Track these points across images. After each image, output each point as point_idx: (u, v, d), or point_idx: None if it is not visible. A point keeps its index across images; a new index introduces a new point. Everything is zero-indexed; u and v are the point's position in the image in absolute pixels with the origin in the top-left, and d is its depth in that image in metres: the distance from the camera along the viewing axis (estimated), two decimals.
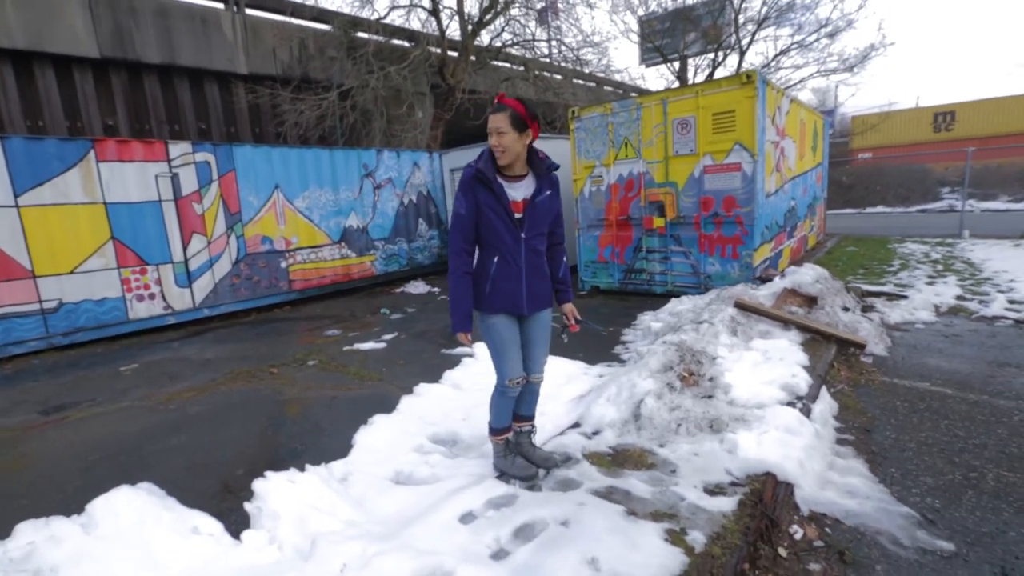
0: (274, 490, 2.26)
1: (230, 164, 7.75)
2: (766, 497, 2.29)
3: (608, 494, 2.33)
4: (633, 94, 16.27)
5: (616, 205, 6.97)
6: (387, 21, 13.89)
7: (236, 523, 2.27)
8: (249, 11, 14.77)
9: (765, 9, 16.03)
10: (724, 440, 2.64)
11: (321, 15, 14.12)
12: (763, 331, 4.16)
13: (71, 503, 2.72)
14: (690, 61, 18.21)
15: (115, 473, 3.13)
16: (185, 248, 7.36)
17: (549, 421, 3.12)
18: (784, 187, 7.02)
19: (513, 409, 2.55)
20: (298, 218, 8.55)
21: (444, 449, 2.90)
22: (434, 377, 3.99)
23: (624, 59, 25.13)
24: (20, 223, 6.08)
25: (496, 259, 2.25)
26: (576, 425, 2.98)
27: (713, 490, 2.33)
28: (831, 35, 16.05)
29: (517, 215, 2.21)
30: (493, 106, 2.16)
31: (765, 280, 5.52)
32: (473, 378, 3.86)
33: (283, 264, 8.40)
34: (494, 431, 2.56)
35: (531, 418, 2.64)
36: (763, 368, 3.43)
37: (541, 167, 2.24)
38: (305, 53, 15.12)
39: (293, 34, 14.64)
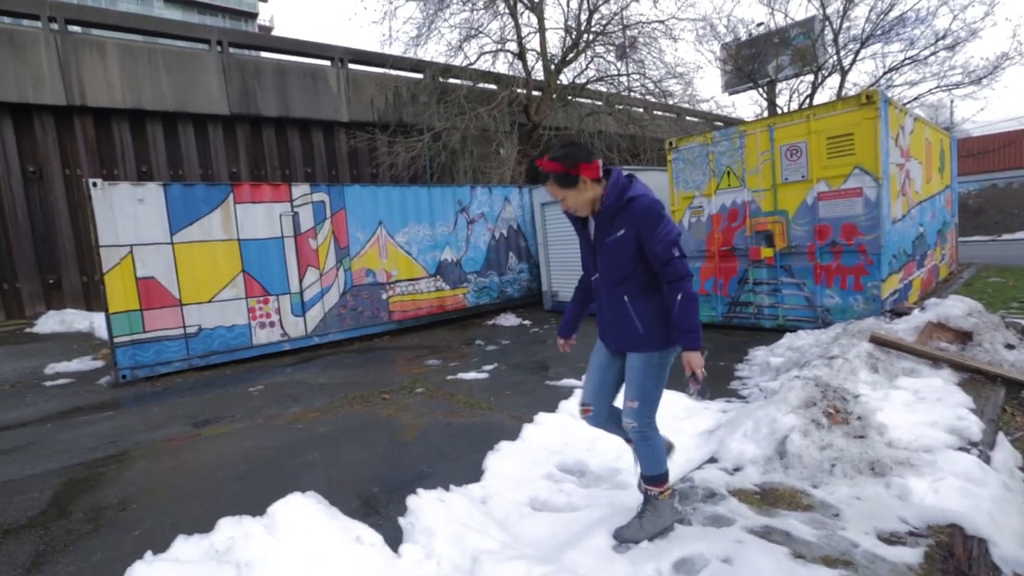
0: (426, 507, 2.34)
1: (341, 203, 8.46)
2: (957, 552, 2.04)
3: (766, 534, 2.18)
4: (717, 123, 15.94)
5: (718, 236, 6.76)
6: (475, 66, 14.77)
7: (391, 536, 2.37)
8: (352, 66, 16.35)
9: (869, 27, 15.27)
10: (891, 485, 2.40)
11: (416, 66, 15.29)
12: (907, 368, 3.78)
13: (232, 508, 2.98)
14: (781, 85, 17.60)
15: (266, 483, 3.40)
16: (301, 280, 8.04)
17: (679, 455, 2.99)
18: (911, 212, 6.48)
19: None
20: (398, 252, 9.09)
21: (574, 478, 2.87)
22: (548, 407, 4.00)
23: (710, 88, 24.83)
24: (173, 258, 6.97)
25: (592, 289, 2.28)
26: (713, 460, 2.84)
27: (889, 539, 2.12)
28: (951, 47, 14.90)
29: (594, 248, 2.15)
30: (541, 174, 2.01)
31: (900, 313, 5.05)
32: None
33: (384, 296, 8.91)
34: (657, 480, 2.21)
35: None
36: (919, 408, 3.11)
37: (613, 206, 2.00)
38: (399, 100, 16.40)
39: (389, 84, 15.98)
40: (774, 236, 6.25)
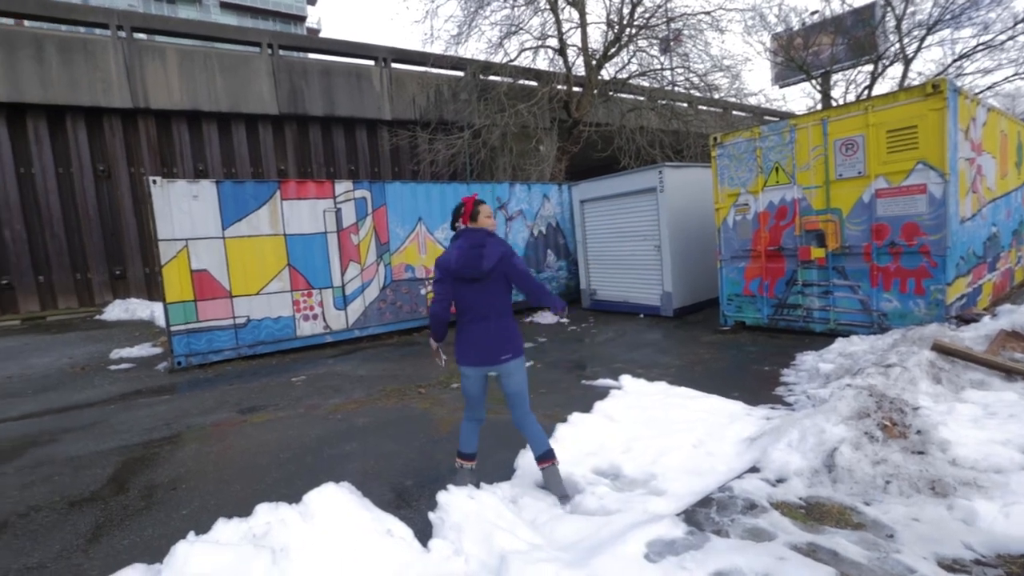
0: (456, 503, 2.34)
1: (382, 199, 8.62)
2: None
3: (811, 551, 2.06)
4: (767, 117, 15.27)
5: (765, 234, 6.48)
6: (516, 63, 14.72)
7: (420, 530, 2.39)
8: (395, 65, 16.64)
9: (937, 11, 14.22)
10: (954, 507, 2.22)
11: (457, 64, 15.40)
12: (976, 380, 3.50)
13: (272, 494, 3.08)
14: (837, 76, 16.68)
15: (305, 470, 3.51)
16: (343, 274, 8.25)
17: (720, 463, 2.88)
18: (982, 211, 5.99)
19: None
20: (437, 248, 9.18)
21: (608, 482, 2.81)
22: (583, 407, 3.94)
23: (758, 81, 23.87)
24: (224, 252, 7.30)
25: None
26: (755, 470, 2.71)
27: (952, 566, 1.95)
28: None
29: None
30: (480, 200, 2.86)
31: (967, 320, 4.68)
32: (625, 410, 3.74)
33: (422, 291, 9.03)
34: (547, 456, 2.78)
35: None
36: (988, 425, 2.86)
37: None
38: (440, 98, 16.58)
39: (431, 82, 16.17)
40: (826, 235, 5.92)
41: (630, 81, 15.01)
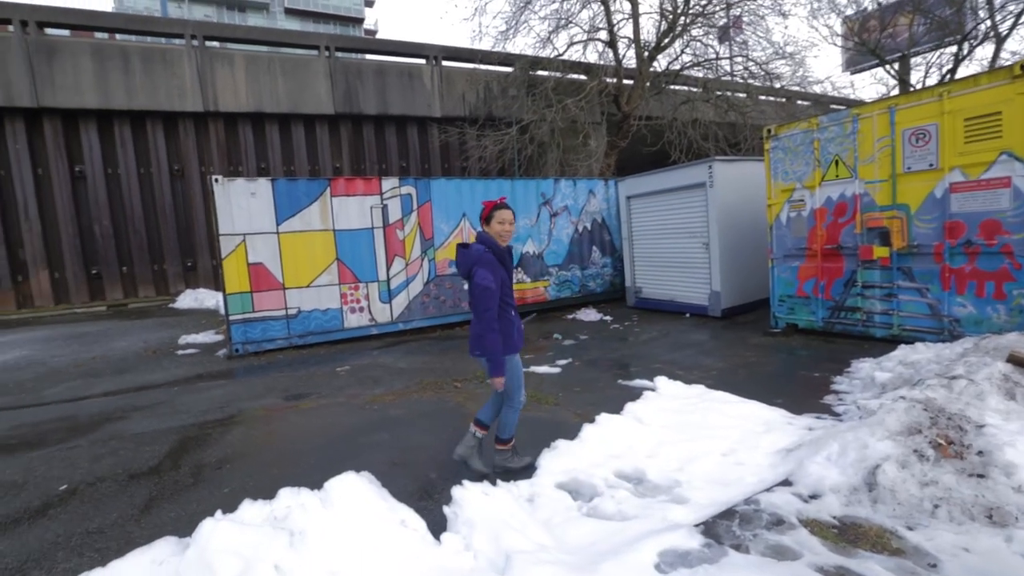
0: (470, 498, 2.36)
1: (427, 195, 8.79)
2: None
3: (839, 575, 1.91)
4: (833, 106, 14.27)
5: (822, 232, 6.07)
6: (564, 57, 14.56)
7: (435, 523, 2.43)
8: (445, 63, 16.90)
9: None
10: (1013, 539, 1.99)
11: (505, 59, 15.43)
12: None
13: (305, 478, 3.22)
14: (916, 60, 15.33)
15: (337, 457, 3.65)
16: (388, 269, 8.50)
17: (750, 473, 2.74)
18: None
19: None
20: None
21: (630, 486, 2.73)
22: (615, 408, 3.86)
23: (825, 68, 22.36)
24: (278, 246, 7.69)
25: (513, 312, 2.98)
26: (787, 483, 2.56)
27: None
28: None
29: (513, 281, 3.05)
30: (502, 205, 3.01)
31: None
32: (656, 413, 3.63)
33: (464, 286, 9.15)
34: (506, 441, 3.13)
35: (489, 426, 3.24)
36: None
37: (508, 248, 3.08)
38: (489, 94, 16.69)
39: (480, 78, 16.30)
40: (890, 233, 5.47)
41: (683, 72, 14.48)
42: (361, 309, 8.35)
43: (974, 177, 4.90)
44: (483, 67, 15.96)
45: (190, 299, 13.46)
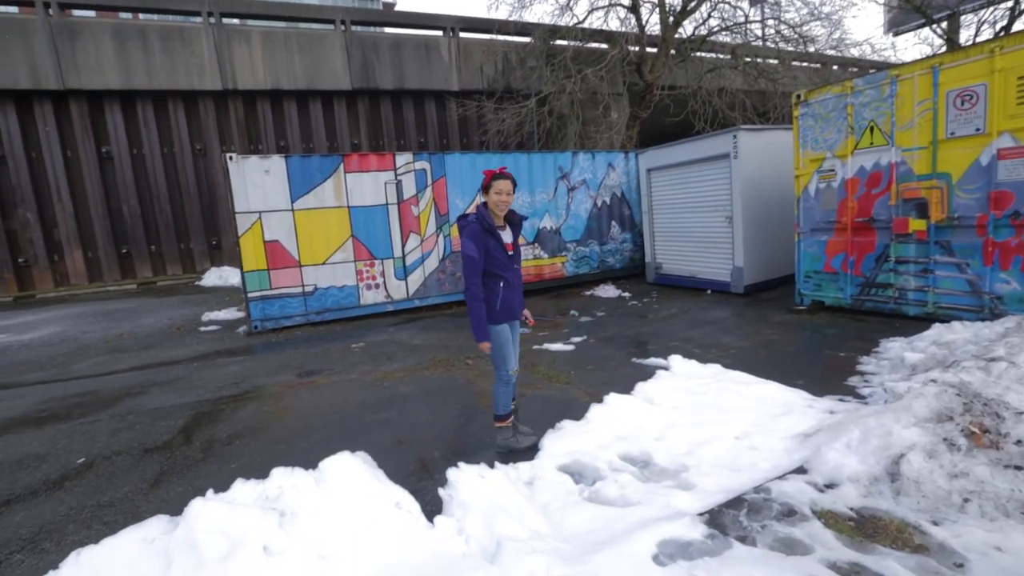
0: (465, 481, 2.29)
1: (442, 170, 8.64)
2: None
3: (852, 573, 1.78)
4: (872, 71, 13.41)
5: (853, 204, 5.72)
6: (584, 25, 13.99)
7: (430, 505, 2.38)
8: (463, 34, 16.47)
9: None
10: None
11: (523, 29, 14.93)
12: None
13: (310, 454, 3.21)
14: (968, 18, 14.22)
15: (344, 433, 3.65)
16: (403, 245, 8.44)
17: (763, 459, 2.60)
18: None
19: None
20: None
21: (635, 470, 2.63)
22: (625, 388, 3.74)
23: (864, 30, 20.97)
24: (293, 223, 7.70)
25: (502, 284, 2.97)
26: (801, 471, 2.41)
27: None
28: None
29: (509, 252, 3.01)
30: (501, 175, 2.91)
31: None
32: (668, 393, 3.49)
33: None
34: (503, 417, 3.13)
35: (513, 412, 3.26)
36: None
37: (515, 219, 3.10)
38: (508, 66, 16.23)
39: (498, 50, 15.83)
40: (929, 205, 5.11)
41: (710, 38, 13.77)
42: (377, 286, 8.35)
43: None
44: (500, 38, 15.48)
45: (215, 277, 13.75)
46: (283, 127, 15.59)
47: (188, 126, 14.71)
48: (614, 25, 14.31)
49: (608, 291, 9.10)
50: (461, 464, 2.45)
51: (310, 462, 2.74)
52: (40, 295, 13.33)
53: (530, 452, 2.97)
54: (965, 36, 14.57)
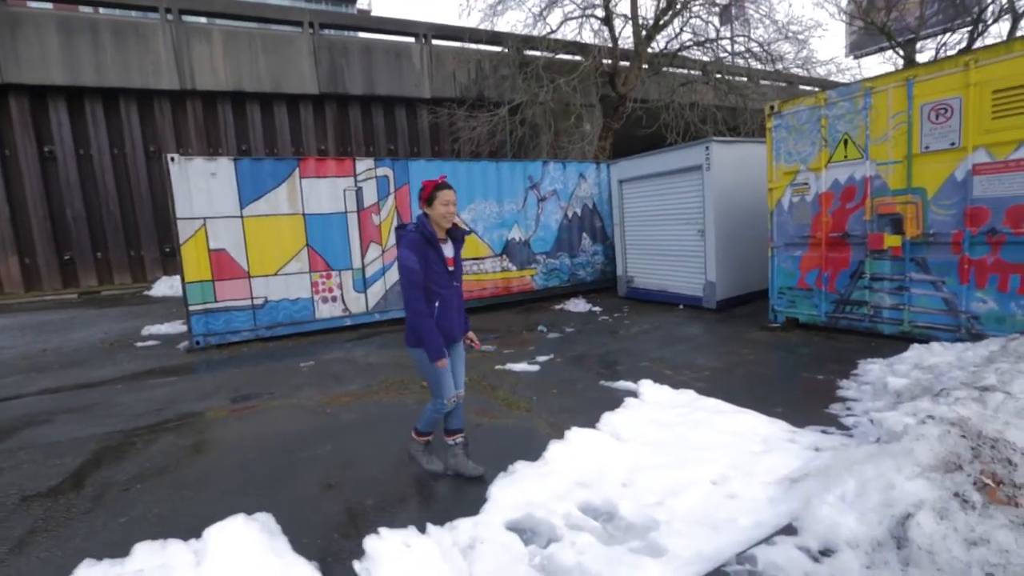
0: (386, 554, 1.85)
1: (405, 177, 8.20)
2: None
3: None
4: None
5: (827, 219, 5.52)
6: (558, 36, 13.84)
7: None
8: (435, 42, 16.14)
9: None
10: None
11: (495, 37, 14.69)
12: None
13: (217, 505, 2.70)
14: (927, 42, 14.64)
15: (265, 475, 3.15)
16: (363, 256, 7.94)
17: (744, 512, 2.23)
18: None
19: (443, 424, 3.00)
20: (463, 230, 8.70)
21: (597, 525, 2.23)
22: (591, 419, 3.36)
23: (830, 50, 21.59)
24: (243, 231, 7.12)
25: (437, 303, 2.72)
26: (791, 531, 2.05)
27: None
28: None
29: (450, 268, 2.76)
30: (444, 185, 2.67)
31: None
32: (637, 427, 3.12)
33: None
34: (422, 434, 3.03)
35: (462, 430, 3.04)
36: None
37: (458, 233, 2.82)
38: (480, 74, 15.95)
39: (471, 58, 15.54)
40: (904, 220, 4.93)
41: (682, 53, 13.79)
42: (334, 299, 7.81)
43: (1001, 157, 4.35)
44: (473, 46, 15.22)
45: (165, 286, 12.90)
46: (245, 130, 14.91)
47: (142, 126, 13.90)
48: (588, 37, 14.20)
49: (579, 305, 8.77)
50: (382, 530, 2.00)
51: (213, 516, 2.26)
52: None
53: (475, 500, 2.53)
54: (924, 59, 14.99)
